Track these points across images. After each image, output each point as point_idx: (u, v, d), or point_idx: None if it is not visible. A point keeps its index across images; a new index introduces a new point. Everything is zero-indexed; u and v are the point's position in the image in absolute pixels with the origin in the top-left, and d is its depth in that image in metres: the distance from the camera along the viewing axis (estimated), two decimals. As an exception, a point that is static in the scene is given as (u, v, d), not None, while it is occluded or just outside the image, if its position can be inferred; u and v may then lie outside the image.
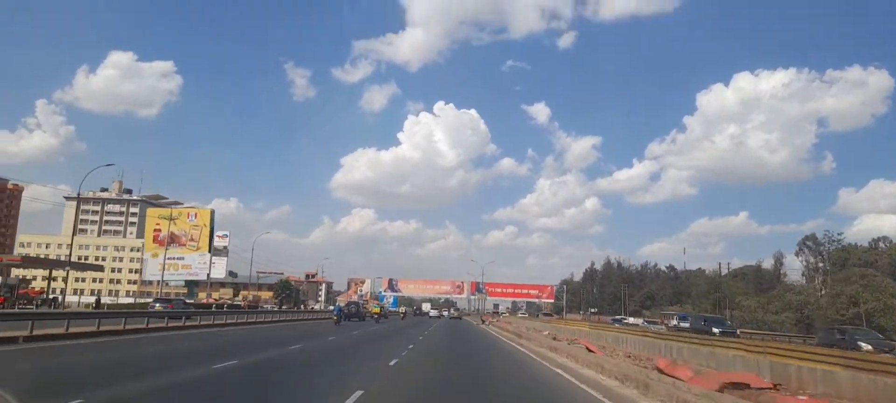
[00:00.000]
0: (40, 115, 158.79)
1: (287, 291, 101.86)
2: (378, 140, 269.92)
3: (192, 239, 67.82)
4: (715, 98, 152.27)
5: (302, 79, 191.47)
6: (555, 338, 23.63)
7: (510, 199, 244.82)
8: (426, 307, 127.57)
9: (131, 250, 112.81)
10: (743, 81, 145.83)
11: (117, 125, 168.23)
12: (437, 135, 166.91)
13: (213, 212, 68.52)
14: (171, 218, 60.73)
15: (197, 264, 66.24)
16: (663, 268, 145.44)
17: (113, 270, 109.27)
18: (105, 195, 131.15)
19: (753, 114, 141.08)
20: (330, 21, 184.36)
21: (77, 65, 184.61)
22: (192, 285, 65.86)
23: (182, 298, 45.54)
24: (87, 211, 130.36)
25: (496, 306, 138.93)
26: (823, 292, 73.89)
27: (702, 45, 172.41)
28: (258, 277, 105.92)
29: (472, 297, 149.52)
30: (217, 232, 64.44)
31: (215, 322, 32.77)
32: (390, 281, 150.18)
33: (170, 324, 26.07)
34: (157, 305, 34.91)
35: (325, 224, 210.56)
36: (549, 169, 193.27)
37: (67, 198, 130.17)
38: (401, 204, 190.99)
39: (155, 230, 65.11)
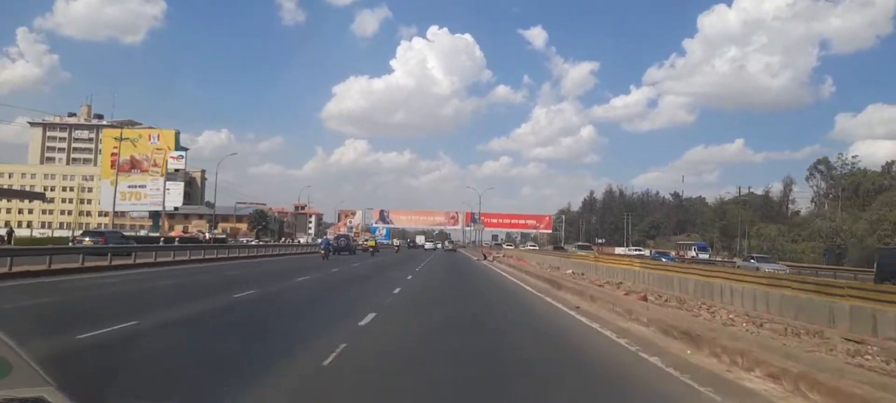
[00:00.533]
0: (22, 44, 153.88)
1: (263, 222, 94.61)
2: (370, 67, 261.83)
3: (155, 165, 60.20)
4: (717, 19, 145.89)
5: (290, 3, 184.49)
6: (618, 287, 16.72)
7: (505, 129, 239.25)
8: (420, 240, 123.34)
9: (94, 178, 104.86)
10: (746, 1, 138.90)
11: (101, 52, 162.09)
12: (431, 61, 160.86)
13: (177, 134, 60.52)
14: (121, 139, 52.31)
15: (160, 187, 58.93)
16: (667, 196, 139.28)
17: (71, 201, 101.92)
18: (72, 120, 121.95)
19: (756, 36, 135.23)
20: None
21: None
22: (156, 216, 58.67)
23: (119, 231, 38.38)
24: (54, 138, 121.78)
25: (495, 237, 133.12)
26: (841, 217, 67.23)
27: None
28: (236, 208, 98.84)
29: (467, 228, 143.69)
30: (172, 154, 56.46)
31: (159, 259, 26.72)
32: (382, 212, 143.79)
33: (113, 262, 22.39)
34: (87, 239, 27.86)
35: (319, 155, 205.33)
36: (545, 96, 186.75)
37: (31, 124, 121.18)
38: (394, 133, 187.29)
39: (112, 154, 57.26)
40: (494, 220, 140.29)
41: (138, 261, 24.75)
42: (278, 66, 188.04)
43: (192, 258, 30.56)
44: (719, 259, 56.13)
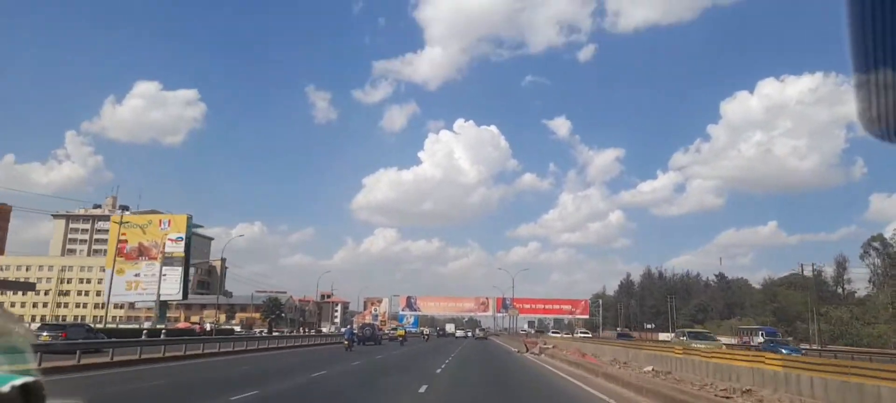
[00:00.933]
0: (69, 146, 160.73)
1: (278, 311, 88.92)
2: (399, 159, 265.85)
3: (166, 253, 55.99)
4: (739, 105, 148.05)
5: (323, 102, 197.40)
6: None
7: (533, 215, 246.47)
8: (450, 328, 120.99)
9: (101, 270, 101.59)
10: (768, 88, 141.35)
11: (144, 153, 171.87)
12: (458, 152, 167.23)
13: (190, 218, 56.38)
14: (121, 224, 48.48)
15: (171, 281, 54.26)
16: (710, 278, 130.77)
17: (87, 293, 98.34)
18: (97, 212, 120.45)
19: (780, 121, 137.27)
20: (349, 43, 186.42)
21: (104, 95, 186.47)
22: (164, 306, 54.05)
23: (85, 324, 33.59)
24: (76, 230, 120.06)
25: (531, 323, 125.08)
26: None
27: (724, 52, 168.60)
28: (253, 298, 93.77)
29: (498, 315, 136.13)
30: (170, 236, 51.74)
31: (144, 355, 22.95)
32: (409, 299, 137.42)
33: (83, 360, 19.11)
34: (44, 334, 23.17)
35: (349, 245, 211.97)
36: (571, 183, 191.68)
37: (54, 216, 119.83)
38: (423, 222, 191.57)
39: (120, 241, 53.33)
40: (527, 306, 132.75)
41: (117, 359, 21.12)
42: (311, 160, 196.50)
43: (189, 352, 26.50)
44: (807, 347, 48.43)
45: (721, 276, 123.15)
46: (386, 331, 79.14)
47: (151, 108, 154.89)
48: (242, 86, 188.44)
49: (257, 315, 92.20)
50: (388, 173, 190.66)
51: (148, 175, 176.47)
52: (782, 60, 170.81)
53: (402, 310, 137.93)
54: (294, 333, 70.14)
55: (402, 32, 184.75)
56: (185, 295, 56.34)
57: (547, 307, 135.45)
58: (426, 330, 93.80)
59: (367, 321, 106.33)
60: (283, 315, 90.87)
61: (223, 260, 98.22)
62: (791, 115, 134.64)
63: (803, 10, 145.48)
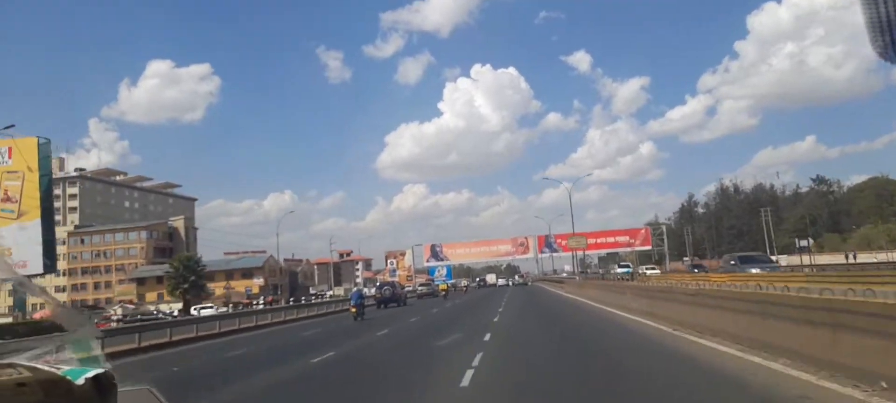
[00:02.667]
0: (94, 134, 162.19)
1: (192, 276, 66.47)
2: (419, 113, 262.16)
3: (8, 199, 35.37)
4: (767, 17, 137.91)
5: (335, 61, 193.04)
6: None
7: (561, 156, 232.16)
8: (491, 278, 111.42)
9: None
10: None
11: (165, 133, 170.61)
12: (478, 99, 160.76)
13: (44, 144, 35.57)
14: None
15: (18, 240, 33.80)
16: (806, 184, 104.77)
17: None
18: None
19: (812, 29, 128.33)
20: None
21: (118, 79, 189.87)
22: (21, 290, 34.76)
23: None
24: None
25: (585, 262, 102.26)
26: None
27: None
28: (228, 262, 73.34)
29: (542, 256, 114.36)
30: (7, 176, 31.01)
31: None
32: (433, 247, 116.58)
33: None
34: None
35: (380, 204, 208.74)
36: (597, 118, 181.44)
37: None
38: (450, 174, 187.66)
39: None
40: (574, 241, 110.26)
41: None
42: (331, 123, 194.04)
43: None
44: None
45: (820, 179, 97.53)
46: (414, 287, 68.57)
47: (166, 87, 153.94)
48: (253, 54, 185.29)
49: (247, 283, 72.53)
50: (410, 128, 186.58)
51: (173, 154, 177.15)
52: None
53: (427, 261, 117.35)
54: (286, 304, 51.52)
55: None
56: (49, 268, 35.56)
57: (598, 241, 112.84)
58: (464, 282, 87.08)
59: (385, 280, 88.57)
60: (198, 283, 67.78)
61: (185, 219, 78.30)
62: (823, 21, 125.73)
63: None
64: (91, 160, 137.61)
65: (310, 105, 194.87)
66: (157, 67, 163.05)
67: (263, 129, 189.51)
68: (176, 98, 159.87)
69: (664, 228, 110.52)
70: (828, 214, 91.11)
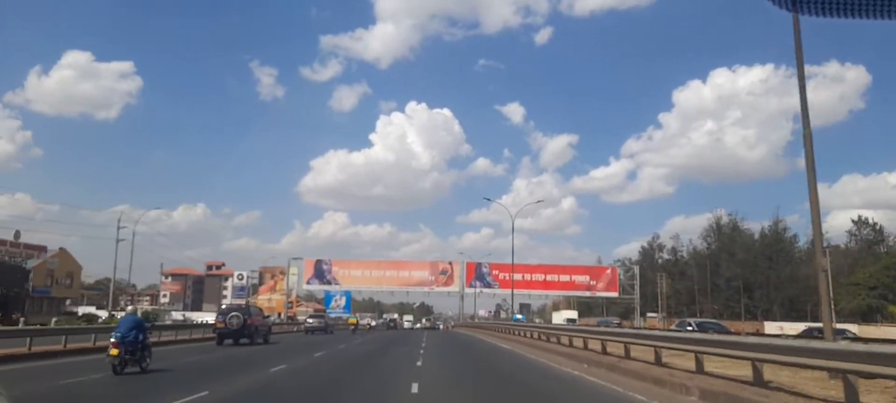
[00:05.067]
0: None
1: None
2: (349, 141, 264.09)
3: None
4: (692, 94, 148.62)
5: (269, 78, 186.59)
6: None
7: (485, 201, 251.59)
8: (407, 322, 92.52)
9: None
10: (720, 77, 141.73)
11: (74, 128, 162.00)
12: (411, 135, 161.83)
13: None
14: None
15: None
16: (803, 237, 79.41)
17: None
18: None
19: (730, 110, 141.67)
20: (295, 15, 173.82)
21: (29, 66, 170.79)
22: None
23: None
24: None
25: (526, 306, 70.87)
26: None
27: (679, 40, 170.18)
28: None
29: (469, 291, 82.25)
30: None
31: None
32: (318, 264, 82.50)
33: None
34: None
35: (297, 228, 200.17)
36: (525, 169, 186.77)
37: None
38: (373, 206, 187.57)
39: None
40: (514, 277, 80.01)
41: None
42: (256, 139, 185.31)
43: None
44: None
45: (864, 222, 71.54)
46: (293, 318, 60.07)
47: (82, 80, 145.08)
48: (182, 60, 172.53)
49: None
50: (338, 155, 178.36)
51: (79, 151, 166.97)
52: (734, 51, 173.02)
53: (308, 283, 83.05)
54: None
55: (351, 6, 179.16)
56: None
57: (548, 279, 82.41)
58: (368, 319, 77.49)
59: (232, 303, 57.63)
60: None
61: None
62: (741, 105, 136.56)
63: (753, 6, 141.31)
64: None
65: (236, 118, 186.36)
66: (74, 58, 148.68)
67: (183, 137, 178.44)
68: (91, 93, 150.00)
69: (635, 270, 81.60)
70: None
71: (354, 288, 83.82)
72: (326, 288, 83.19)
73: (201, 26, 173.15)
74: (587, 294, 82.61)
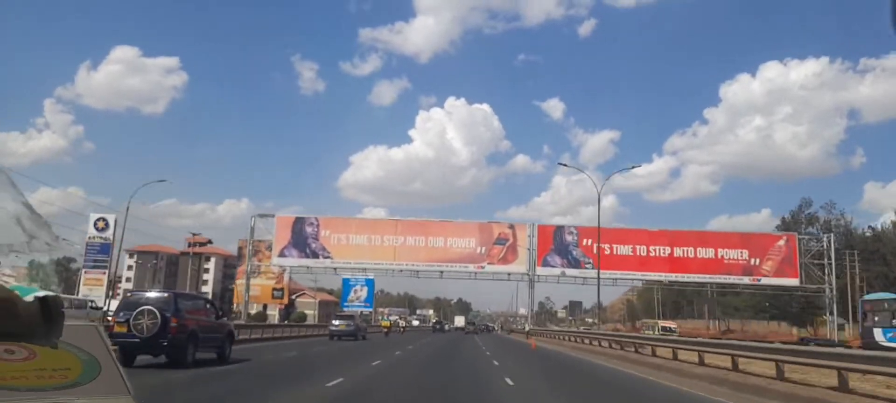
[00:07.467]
0: (49, 115, 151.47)
1: None
2: (389, 137, 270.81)
3: None
4: (741, 88, 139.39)
5: (310, 72, 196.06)
6: None
7: (523, 197, 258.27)
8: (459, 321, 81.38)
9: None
10: (771, 71, 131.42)
11: (121, 122, 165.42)
12: (450, 131, 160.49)
13: None
14: None
15: None
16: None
17: None
18: None
19: (781, 106, 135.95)
20: (334, 5, 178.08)
21: (79, 61, 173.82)
22: None
23: None
24: None
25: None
26: None
27: (727, 32, 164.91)
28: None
29: (543, 271, 49.96)
30: None
31: None
32: (297, 224, 52.14)
33: None
34: None
35: None
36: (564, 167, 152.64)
37: None
38: (412, 201, 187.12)
39: None
40: (624, 249, 47.94)
41: None
42: (298, 134, 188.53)
43: None
44: None
45: None
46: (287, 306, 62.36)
47: (129, 75, 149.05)
48: (226, 55, 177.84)
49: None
50: (378, 151, 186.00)
51: (128, 145, 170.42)
52: (787, 43, 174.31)
53: (282, 254, 52.99)
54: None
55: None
56: None
57: (675, 254, 49.56)
58: (398, 319, 69.03)
59: (137, 292, 26.03)
60: None
61: None
62: (792, 100, 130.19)
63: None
64: (41, 142, 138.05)
65: (278, 113, 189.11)
66: (122, 53, 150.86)
67: (227, 132, 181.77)
68: (138, 87, 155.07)
69: (827, 241, 48.43)
70: None
71: (355, 263, 52.58)
72: (312, 262, 52.16)
73: (243, 21, 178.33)
74: (746, 279, 49.12)
